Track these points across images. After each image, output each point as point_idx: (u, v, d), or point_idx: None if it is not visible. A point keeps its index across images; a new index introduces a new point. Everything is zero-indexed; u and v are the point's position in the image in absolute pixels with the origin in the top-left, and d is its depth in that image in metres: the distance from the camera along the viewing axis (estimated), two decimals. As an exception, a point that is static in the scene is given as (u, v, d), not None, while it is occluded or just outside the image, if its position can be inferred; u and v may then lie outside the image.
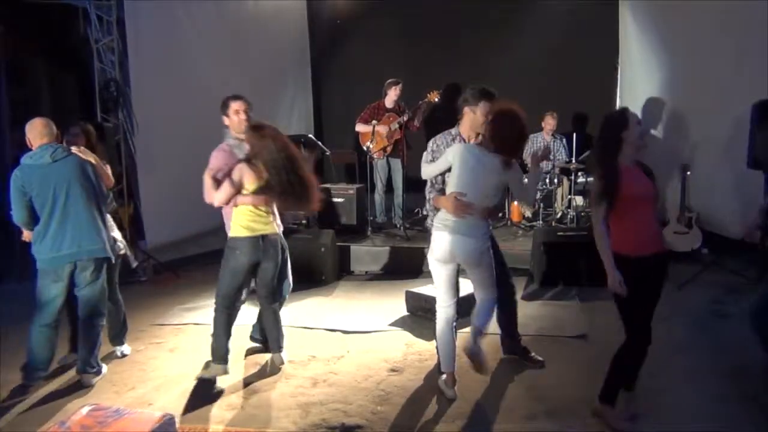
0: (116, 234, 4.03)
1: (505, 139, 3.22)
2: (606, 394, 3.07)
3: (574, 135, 6.82)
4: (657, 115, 6.95)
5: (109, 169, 3.98)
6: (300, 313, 4.94)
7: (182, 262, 6.36)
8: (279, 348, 3.92)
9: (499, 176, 3.27)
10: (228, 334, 3.73)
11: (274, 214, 3.73)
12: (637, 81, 7.41)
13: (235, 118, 3.77)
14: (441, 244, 3.31)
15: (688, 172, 5.91)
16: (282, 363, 3.91)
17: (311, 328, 4.62)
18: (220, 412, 3.37)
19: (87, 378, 3.74)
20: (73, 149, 3.67)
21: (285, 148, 3.54)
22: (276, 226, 3.73)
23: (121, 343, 4.20)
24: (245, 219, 3.62)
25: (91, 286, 3.67)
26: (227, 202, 3.59)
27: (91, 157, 3.73)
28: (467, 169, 3.26)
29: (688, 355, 3.92)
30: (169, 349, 4.29)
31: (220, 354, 3.70)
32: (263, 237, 3.64)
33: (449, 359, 3.46)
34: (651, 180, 3.00)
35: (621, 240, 2.91)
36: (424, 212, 7.46)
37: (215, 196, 3.56)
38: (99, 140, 5.44)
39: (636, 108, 7.41)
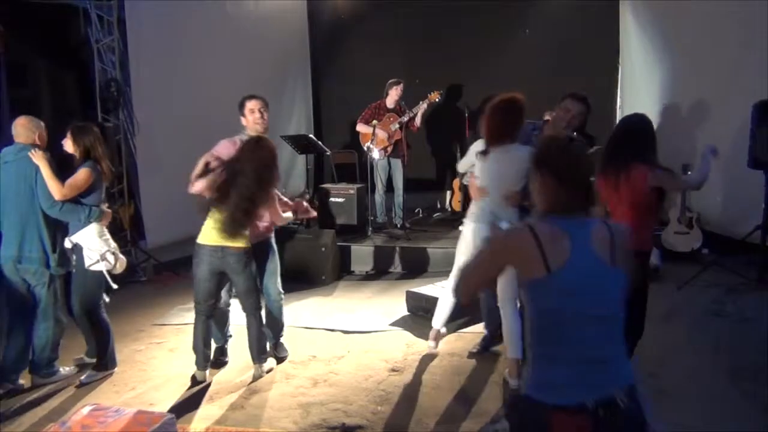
0: (86, 244, 3.66)
1: (494, 127, 3.50)
2: None
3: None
4: (657, 114, 6.95)
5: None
6: (300, 313, 4.95)
7: (182, 262, 6.35)
8: (258, 359, 3.78)
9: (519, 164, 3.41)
10: (204, 341, 3.71)
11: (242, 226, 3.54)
12: (638, 81, 7.41)
13: (250, 117, 3.77)
14: (465, 234, 3.59)
15: (689, 172, 5.90)
16: (260, 376, 3.77)
17: (311, 328, 4.62)
18: (220, 412, 3.37)
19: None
20: (30, 152, 3.53)
21: (261, 170, 3.39)
22: (242, 240, 3.53)
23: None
24: (209, 226, 3.53)
25: (37, 287, 3.63)
26: (199, 192, 3.54)
27: (42, 162, 3.51)
28: (484, 161, 3.59)
29: (688, 355, 3.92)
30: (169, 349, 4.29)
31: (197, 359, 3.71)
32: (223, 248, 3.51)
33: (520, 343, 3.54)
34: None
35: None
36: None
37: (195, 183, 3.52)
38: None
39: (636, 108, 7.42)
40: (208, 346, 3.77)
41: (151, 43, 6.08)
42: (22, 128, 3.59)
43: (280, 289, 4.03)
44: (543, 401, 1.52)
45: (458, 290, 1.83)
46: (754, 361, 3.57)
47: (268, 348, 3.92)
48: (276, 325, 4.05)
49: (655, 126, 7.49)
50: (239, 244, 3.53)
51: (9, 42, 5.80)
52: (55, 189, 3.53)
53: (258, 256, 3.75)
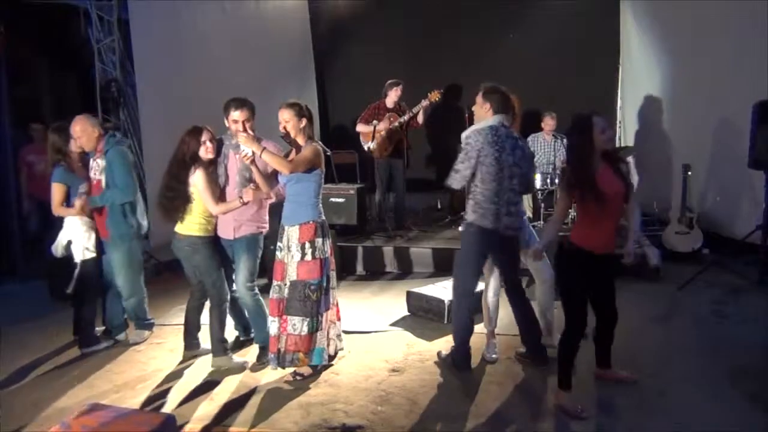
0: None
1: None
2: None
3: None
4: (657, 115, 6.95)
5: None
6: (300, 313, 4.94)
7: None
8: (213, 352, 3.91)
9: None
10: (188, 320, 4.07)
11: (209, 216, 3.82)
12: (638, 81, 7.41)
13: (233, 126, 3.84)
14: None
15: (689, 173, 5.91)
16: (217, 369, 3.87)
17: (312, 328, 4.61)
18: (220, 411, 3.37)
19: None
20: None
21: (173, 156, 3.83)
22: (188, 228, 3.79)
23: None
24: None
25: None
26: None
27: None
28: None
29: (688, 355, 3.92)
30: (170, 349, 4.29)
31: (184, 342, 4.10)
32: (175, 234, 3.85)
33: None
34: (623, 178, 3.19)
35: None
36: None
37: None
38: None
39: (636, 108, 7.42)
40: (190, 327, 4.06)
41: (154, 43, 6.08)
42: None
43: (248, 287, 3.89)
44: None
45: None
46: (754, 362, 3.57)
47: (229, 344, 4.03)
48: (256, 325, 4.01)
49: (655, 126, 7.49)
50: (183, 231, 3.80)
51: (9, 42, 5.82)
52: None
53: (231, 252, 3.93)
